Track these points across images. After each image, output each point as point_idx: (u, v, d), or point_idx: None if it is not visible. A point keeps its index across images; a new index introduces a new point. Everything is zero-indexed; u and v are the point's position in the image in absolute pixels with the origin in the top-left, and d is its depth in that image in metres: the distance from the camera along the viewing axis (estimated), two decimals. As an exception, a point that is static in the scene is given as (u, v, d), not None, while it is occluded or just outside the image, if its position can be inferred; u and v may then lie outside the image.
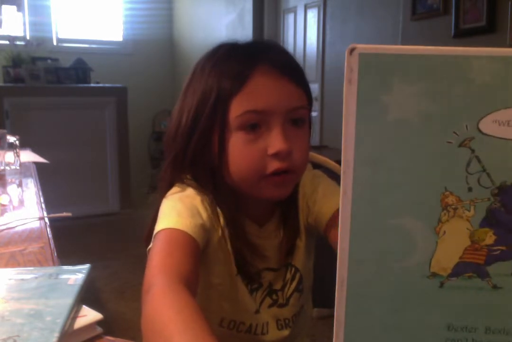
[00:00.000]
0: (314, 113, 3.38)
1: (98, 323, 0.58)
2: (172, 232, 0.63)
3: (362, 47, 0.29)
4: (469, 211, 0.30)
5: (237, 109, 0.65)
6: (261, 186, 0.68)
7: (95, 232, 3.41)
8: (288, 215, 0.76)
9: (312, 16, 3.39)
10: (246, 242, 0.72)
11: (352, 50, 0.29)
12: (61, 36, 4.51)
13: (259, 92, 0.65)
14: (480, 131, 0.28)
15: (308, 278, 0.81)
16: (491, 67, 0.28)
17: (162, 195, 0.72)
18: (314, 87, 3.35)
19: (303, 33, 3.51)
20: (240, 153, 0.67)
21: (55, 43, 4.44)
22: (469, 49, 0.28)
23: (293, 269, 0.77)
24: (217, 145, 0.68)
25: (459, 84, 0.28)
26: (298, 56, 3.55)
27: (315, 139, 3.32)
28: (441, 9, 2.38)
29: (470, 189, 0.29)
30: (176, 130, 0.72)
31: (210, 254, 0.71)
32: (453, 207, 0.30)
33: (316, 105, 3.34)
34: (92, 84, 3.88)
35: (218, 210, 0.71)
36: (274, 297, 0.77)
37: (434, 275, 0.30)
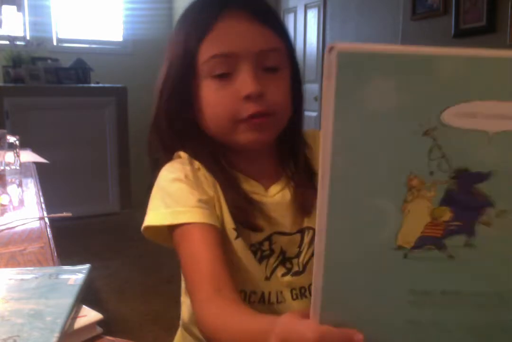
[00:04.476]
0: (314, 113, 3.37)
1: (98, 323, 0.58)
2: (197, 229, 0.62)
3: (340, 46, 0.31)
4: (430, 191, 0.34)
5: (204, 55, 0.64)
6: (238, 131, 0.66)
7: (95, 232, 3.41)
8: (296, 170, 0.72)
9: (312, 16, 3.39)
10: (247, 201, 0.68)
11: (331, 49, 0.31)
12: (61, 36, 4.51)
13: (225, 35, 0.64)
14: (441, 122, 0.32)
15: None
16: (455, 66, 0.32)
17: (162, 162, 0.71)
18: (314, 87, 3.35)
19: (303, 33, 3.50)
20: (213, 99, 0.66)
21: (55, 43, 4.44)
22: (436, 49, 0.32)
23: (310, 232, 0.71)
24: (191, 95, 0.67)
25: (425, 80, 0.32)
26: (298, 56, 3.55)
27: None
28: (441, 9, 2.38)
29: (431, 173, 0.34)
30: (157, 92, 0.71)
31: None
32: (417, 188, 0.34)
33: (316, 105, 3.33)
34: (92, 84, 3.88)
35: (211, 175, 0.69)
36: (288, 265, 0.71)
37: (399, 247, 0.35)
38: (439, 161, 0.33)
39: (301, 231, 0.72)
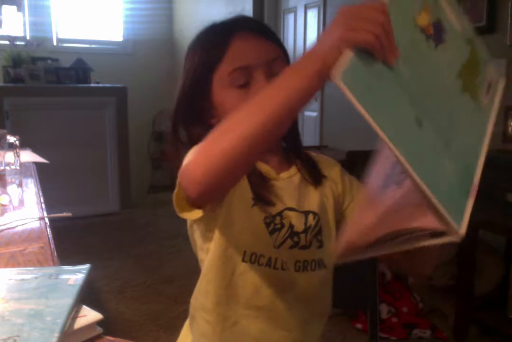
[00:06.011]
0: (314, 113, 3.38)
1: (98, 323, 0.59)
2: None
3: None
4: (431, 14, 0.60)
5: (225, 69, 0.78)
6: None
7: (95, 232, 3.41)
8: (302, 165, 0.85)
9: (312, 16, 3.39)
10: (261, 178, 0.80)
11: None
12: (61, 36, 4.51)
13: (241, 52, 0.78)
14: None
15: (329, 235, 0.84)
16: None
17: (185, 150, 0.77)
18: (314, 87, 3.35)
19: (303, 33, 3.51)
20: (236, 104, 0.75)
21: (55, 43, 4.44)
22: None
23: (316, 216, 0.82)
24: (209, 100, 0.80)
25: None
26: (298, 56, 3.55)
27: (315, 139, 3.32)
28: (441, 9, 2.38)
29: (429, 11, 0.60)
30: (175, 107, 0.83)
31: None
32: (428, 9, 0.59)
33: (316, 105, 3.33)
34: (92, 84, 3.88)
35: None
36: (296, 239, 0.80)
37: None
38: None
39: (305, 213, 0.82)
